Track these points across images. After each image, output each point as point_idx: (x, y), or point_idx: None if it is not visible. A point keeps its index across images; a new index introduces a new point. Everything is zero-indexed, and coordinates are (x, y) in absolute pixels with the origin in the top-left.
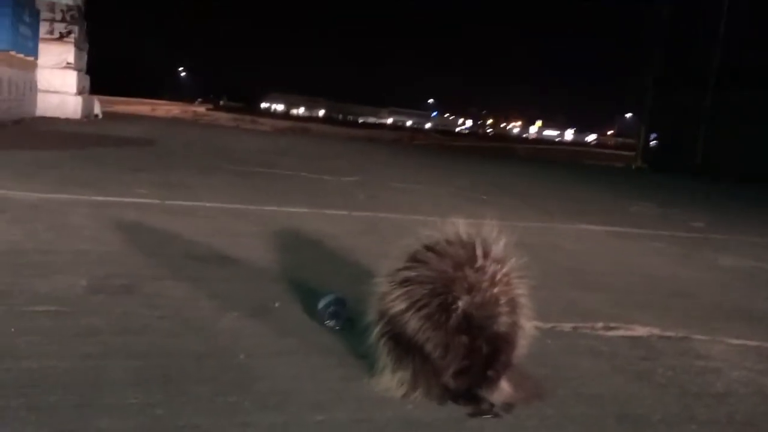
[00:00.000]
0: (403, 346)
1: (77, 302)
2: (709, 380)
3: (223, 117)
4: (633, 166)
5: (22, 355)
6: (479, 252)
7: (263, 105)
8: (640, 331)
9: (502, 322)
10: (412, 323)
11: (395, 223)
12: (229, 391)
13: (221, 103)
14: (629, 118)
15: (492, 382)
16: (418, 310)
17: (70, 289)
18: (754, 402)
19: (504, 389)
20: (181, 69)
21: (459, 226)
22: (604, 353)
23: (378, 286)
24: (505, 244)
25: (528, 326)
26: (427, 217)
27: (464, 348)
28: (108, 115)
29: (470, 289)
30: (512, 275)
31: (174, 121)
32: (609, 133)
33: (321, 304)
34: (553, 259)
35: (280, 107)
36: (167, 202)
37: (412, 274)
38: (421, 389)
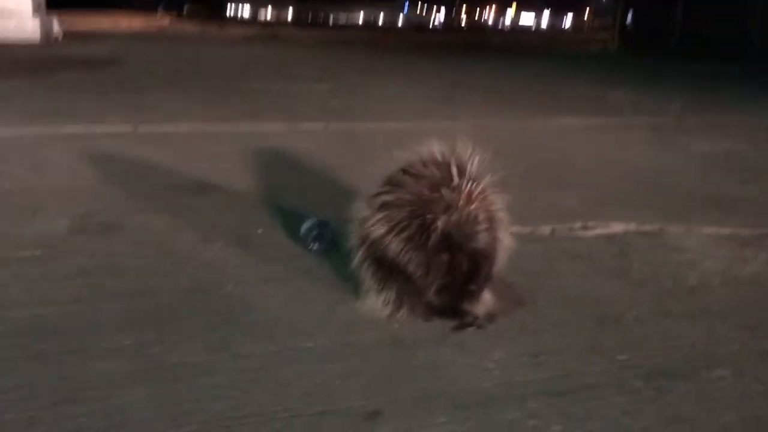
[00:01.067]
0: (386, 268)
1: (60, 245)
2: (683, 273)
3: (187, 28)
4: (610, 48)
5: (12, 304)
6: (454, 171)
7: (229, 11)
8: (617, 228)
9: (481, 239)
10: (394, 246)
11: (373, 133)
12: (220, 324)
13: (184, 11)
14: None
15: (473, 296)
16: (399, 232)
17: (52, 230)
18: (727, 293)
19: (486, 301)
20: None
21: (434, 147)
22: (582, 254)
23: (358, 212)
24: (480, 160)
25: (507, 239)
26: (404, 123)
27: (445, 266)
28: (69, 35)
29: (447, 209)
30: (488, 191)
31: (138, 36)
32: (586, 11)
33: (304, 228)
34: (531, 159)
35: (246, 11)
36: (141, 129)
37: (390, 198)
38: (405, 308)
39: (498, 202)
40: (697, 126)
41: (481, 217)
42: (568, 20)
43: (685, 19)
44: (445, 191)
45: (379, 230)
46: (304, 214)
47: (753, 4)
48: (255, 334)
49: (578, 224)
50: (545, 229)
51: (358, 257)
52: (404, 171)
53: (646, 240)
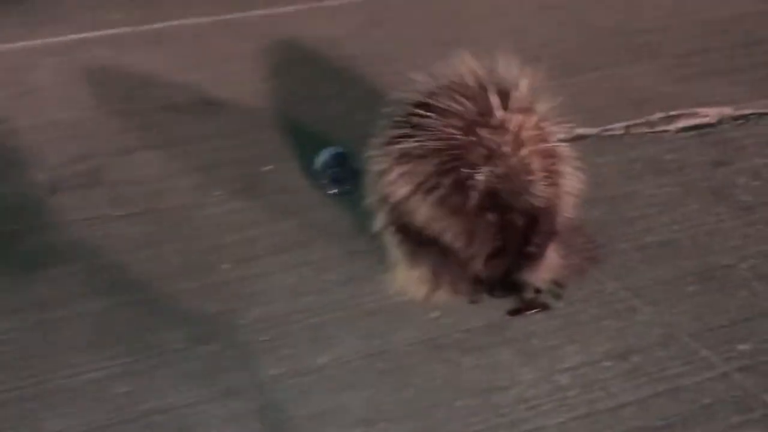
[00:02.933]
0: (416, 238)
1: (35, 211)
2: None
3: None
4: None
5: None
6: (494, 101)
7: None
8: (709, 114)
9: (539, 193)
10: (422, 211)
11: (409, 5)
12: (209, 333)
13: None
14: None
15: (534, 260)
16: (427, 193)
17: (29, 189)
18: None
19: (551, 262)
20: None
21: (464, 64)
22: (669, 166)
23: (372, 161)
24: (531, 80)
25: (573, 181)
26: None
27: (493, 227)
28: None
29: (489, 157)
30: (544, 126)
31: None
32: None
33: (318, 164)
34: (593, 21)
35: None
36: (144, 27)
37: (409, 145)
38: (445, 287)
39: (556, 138)
40: None
41: (536, 163)
42: None
43: None
44: (483, 132)
45: (400, 191)
46: (322, 138)
47: None
48: (251, 348)
49: (658, 115)
50: (617, 127)
51: (379, 222)
52: (425, 104)
53: (746, 132)
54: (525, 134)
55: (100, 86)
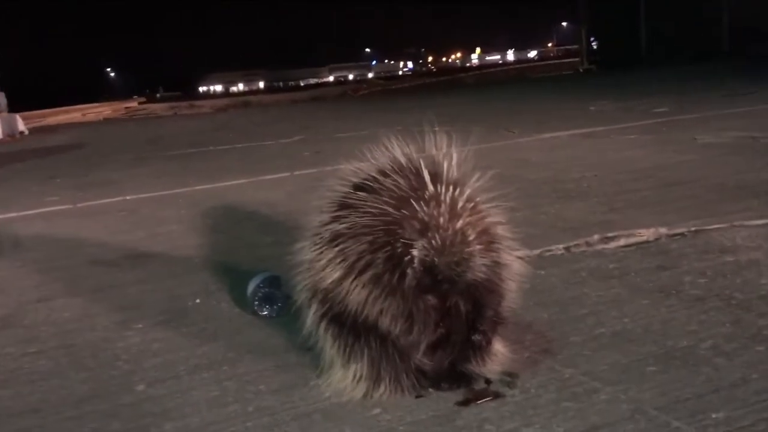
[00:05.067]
0: (351, 328)
1: None
2: (750, 278)
3: (158, 108)
4: (581, 69)
5: None
6: (427, 177)
7: (201, 89)
8: (645, 234)
9: (478, 265)
10: (356, 294)
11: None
12: None
13: (158, 96)
14: (566, 26)
15: (482, 349)
16: (360, 273)
17: None
18: None
19: (499, 354)
20: (108, 69)
21: (395, 149)
22: (612, 272)
23: (302, 253)
24: (460, 159)
25: (514, 262)
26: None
27: (434, 312)
28: (36, 130)
29: (425, 229)
30: (478, 200)
31: (105, 122)
32: (549, 45)
33: (250, 289)
34: (522, 175)
35: (218, 88)
36: (80, 205)
37: (341, 226)
38: (386, 381)
39: (493, 214)
40: (691, 120)
41: (473, 234)
42: (532, 54)
43: (648, 26)
44: (417, 205)
45: (332, 275)
46: (255, 272)
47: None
48: None
49: (596, 236)
50: (557, 248)
51: (310, 318)
52: (358, 187)
53: (686, 244)
54: (459, 206)
55: (24, 251)
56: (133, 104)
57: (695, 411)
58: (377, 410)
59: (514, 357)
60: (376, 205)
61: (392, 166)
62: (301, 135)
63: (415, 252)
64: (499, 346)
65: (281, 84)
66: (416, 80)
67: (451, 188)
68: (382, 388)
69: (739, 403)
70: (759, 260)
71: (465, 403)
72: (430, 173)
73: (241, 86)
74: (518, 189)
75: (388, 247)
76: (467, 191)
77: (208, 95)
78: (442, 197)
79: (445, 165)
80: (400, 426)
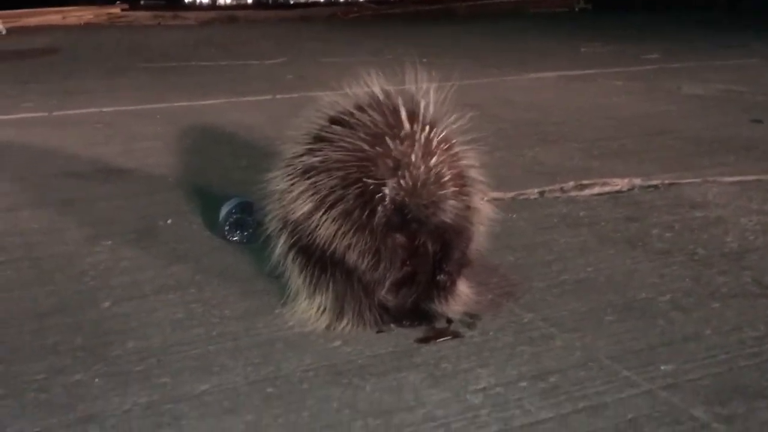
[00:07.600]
0: (318, 261)
1: None
2: (716, 235)
3: (142, 16)
4: (576, 8)
5: None
6: (403, 115)
7: None
8: (620, 183)
9: (449, 207)
10: (325, 228)
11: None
12: (76, 364)
13: (142, 2)
14: None
15: (446, 290)
16: (330, 208)
17: None
18: None
19: (463, 295)
20: None
21: (373, 84)
22: (583, 220)
23: (274, 183)
24: (439, 99)
25: (485, 206)
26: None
27: (402, 250)
28: (13, 30)
29: (397, 168)
30: (453, 141)
31: (86, 27)
32: None
33: (222, 214)
34: (504, 115)
35: None
36: (55, 113)
37: (315, 159)
38: (349, 315)
39: (468, 156)
40: (680, 69)
41: (447, 176)
42: None
43: None
44: (391, 142)
45: (303, 207)
46: (228, 196)
47: None
48: (125, 378)
49: (571, 183)
50: (531, 192)
51: (279, 247)
52: (334, 120)
53: (657, 196)
54: (434, 146)
55: None
56: (116, 10)
57: (646, 362)
58: (338, 342)
59: (477, 299)
60: (350, 140)
61: (370, 102)
62: (285, 57)
63: (386, 190)
64: (463, 287)
65: (270, 0)
66: (408, 6)
67: (427, 128)
68: (345, 321)
69: (689, 357)
70: (726, 218)
71: (425, 340)
72: (407, 111)
73: None
74: (498, 129)
75: (360, 184)
76: (443, 131)
77: (194, 6)
78: (417, 136)
79: (423, 104)
80: (360, 359)
